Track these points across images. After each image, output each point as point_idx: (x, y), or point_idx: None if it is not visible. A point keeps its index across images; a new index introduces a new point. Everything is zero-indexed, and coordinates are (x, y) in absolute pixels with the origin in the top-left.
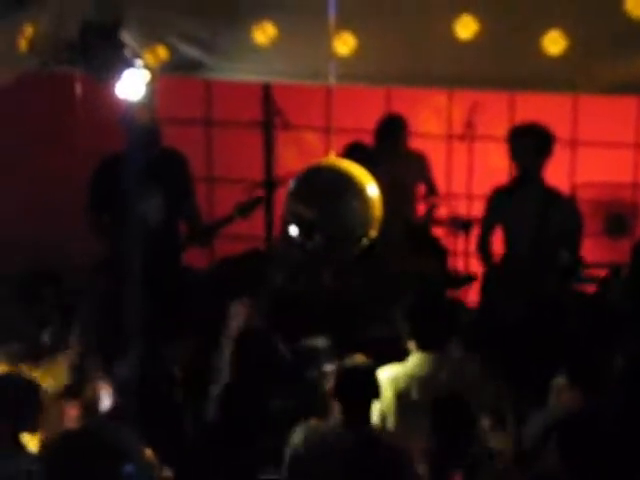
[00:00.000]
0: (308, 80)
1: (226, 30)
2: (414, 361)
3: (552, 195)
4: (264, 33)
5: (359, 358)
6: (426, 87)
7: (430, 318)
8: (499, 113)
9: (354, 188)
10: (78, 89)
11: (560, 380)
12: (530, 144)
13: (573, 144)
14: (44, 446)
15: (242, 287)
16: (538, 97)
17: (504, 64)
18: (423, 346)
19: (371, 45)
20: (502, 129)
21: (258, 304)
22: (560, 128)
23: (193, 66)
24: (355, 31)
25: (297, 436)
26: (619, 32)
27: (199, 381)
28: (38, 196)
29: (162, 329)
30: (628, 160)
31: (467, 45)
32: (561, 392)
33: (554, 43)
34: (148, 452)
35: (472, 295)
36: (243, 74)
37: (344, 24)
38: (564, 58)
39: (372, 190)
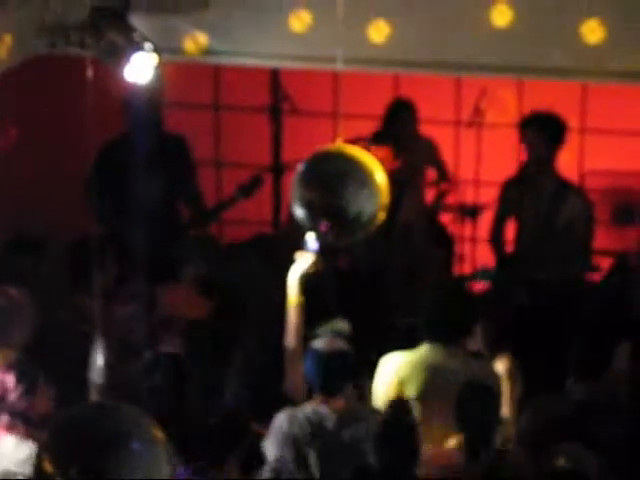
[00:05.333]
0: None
1: (253, 15)
2: (422, 351)
3: (564, 185)
4: (299, 20)
5: (333, 342)
6: (460, 75)
7: (444, 310)
8: (508, 100)
9: (362, 173)
10: (89, 72)
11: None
12: (544, 134)
13: (582, 132)
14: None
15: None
16: (547, 84)
17: (540, 53)
18: (435, 337)
19: (405, 33)
20: (510, 116)
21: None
22: (569, 115)
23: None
24: (389, 19)
25: (280, 418)
26: None
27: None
28: (44, 180)
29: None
30: (637, 148)
31: (502, 33)
32: None
33: (592, 32)
34: (154, 428)
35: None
36: (272, 60)
37: (378, 12)
38: (602, 47)
39: (380, 175)
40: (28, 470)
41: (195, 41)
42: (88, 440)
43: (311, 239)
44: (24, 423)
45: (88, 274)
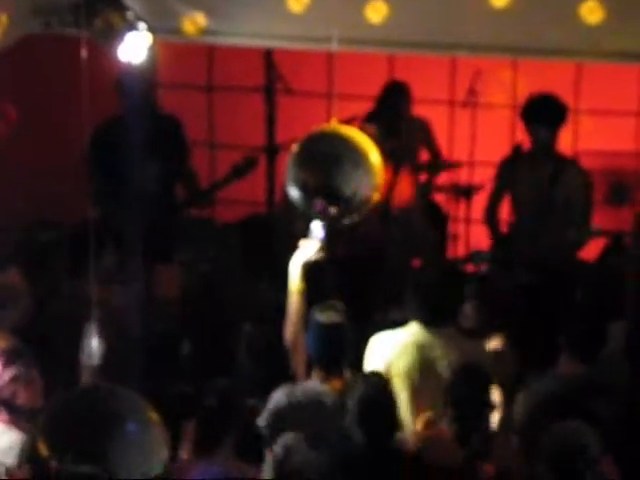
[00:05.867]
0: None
1: None
2: (410, 330)
3: (562, 161)
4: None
5: (333, 315)
6: (459, 55)
7: (430, 290)
8: (503, 80)
9: (356, 153)
10: (84, 52)
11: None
12: (547, 117)
13: (576, 112)
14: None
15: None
16: (540, 64)
17: (537, 33)
18: (423, 317)
19: (402, 13)
20: (505, 96)
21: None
22: (563, 96)
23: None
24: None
25: (278, 394)
26: None
27: None
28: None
29: None
30: (630, 128)
31: (500, 13)
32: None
33: (591, 12)
34: (149, 409)
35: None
36: (271, 40)
37: None
38: (601, 27)
39: (374, 155)
40: (11, 459)
41: (193, 21)
42: (83, 423)
43: (316, 226)
44: (9, 411)
45: (86, 258)
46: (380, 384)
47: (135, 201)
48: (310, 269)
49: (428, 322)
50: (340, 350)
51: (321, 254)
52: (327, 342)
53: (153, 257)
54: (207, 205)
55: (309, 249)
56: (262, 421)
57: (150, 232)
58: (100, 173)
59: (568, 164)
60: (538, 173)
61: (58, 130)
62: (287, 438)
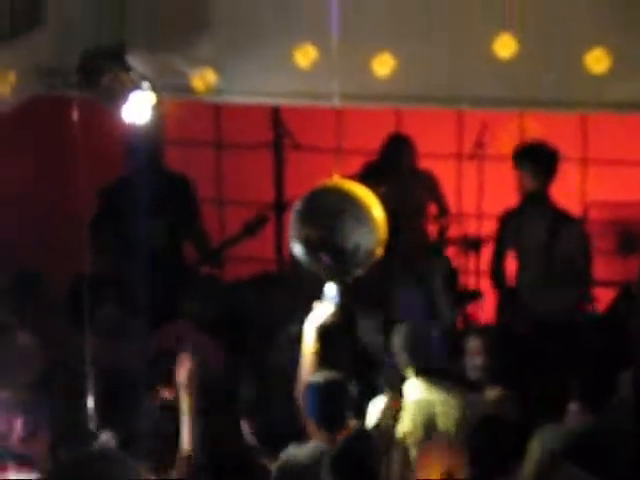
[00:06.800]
0: (346, 102)
1: (253, 51)
2: (408, 387)
3: (561, 216)
4: (305, 55)
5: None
6: (463, 108)
7: (420, 347)
8: (509, 132)
9: (358, 208)
10: (75, 114)
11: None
12: (536, 165)
13: (584, 162)
14: None
15: None
16: (547, 116)
17: (544, 84)
18: (418, 372)
19: (409, 66)
20: (512, 148)
21: None
22: (570, 146)
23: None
24: (394, 52)
25: (286, 453)
26: None
27: None
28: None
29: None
30: (638, 178)
31: (507, 65)
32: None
33: (597, 61)
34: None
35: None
36: (278, 97)
37: (383, 45)
38: (606, 77)
39: (376, 210)
40: None
41: (203, 79)
42: None
43: (330, 289)
44: (22, 464)
45: (90, 315)
46: (359, 439)
47: (145, 262)
48: (325, 332)
49: (424, 376)
50: (338, 407)
51: (335, 318)
52: (323, 402)
53: (159, 314)
54: (217, 264)
55: (323, 312)
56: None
57: (157, 289)
58: (107, 232)
59: (567, 219)
60: (537, 228)
61: (59, 191)
62: None
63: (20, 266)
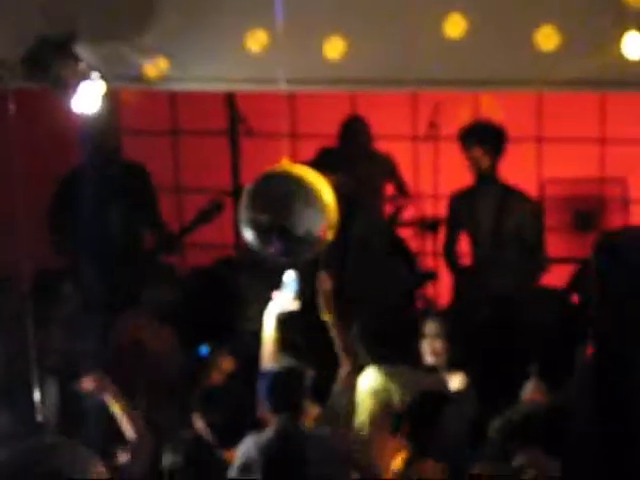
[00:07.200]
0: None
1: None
2: (366, 376)
3: (511, 192)
4: (256, 40)
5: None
6: (416, 90)
7: (381, 339)
8: (463, 112)
9: (307, 192)
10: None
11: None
12: (483, 144)
13: (539, 140)
14: None
15: None
16: (502, 94)
17: (494, 64)
18: (376, 360)
19: (361, 48)
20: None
21: None
22: (525, 124)
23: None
24: (344, 34)
25: (245, 443)
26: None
27: None
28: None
29: None
30: (594, 155)
31: (457, 44)
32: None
33: (547, 39)
34: (98, 469)
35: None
36: (230, 83)
37: (333, 28)
38: (557, 54)
39: (326, 194)
40: None
41: (156, 67)
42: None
43: (289, 276)
44: None
45: (50, 307)
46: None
47: (101, 249)
48: (284, 319)
49: (383, 363)
50: (292, 394)
51: (295, 304)
52: (275, 389)
53: (117, 304)
54: (176, 252)
55: (282, 300)
56: (232, 472)
57: (115, 280)
58: (67, 223)
59: (514, 195)
60: (485, 207)
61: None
62: None
63: None
